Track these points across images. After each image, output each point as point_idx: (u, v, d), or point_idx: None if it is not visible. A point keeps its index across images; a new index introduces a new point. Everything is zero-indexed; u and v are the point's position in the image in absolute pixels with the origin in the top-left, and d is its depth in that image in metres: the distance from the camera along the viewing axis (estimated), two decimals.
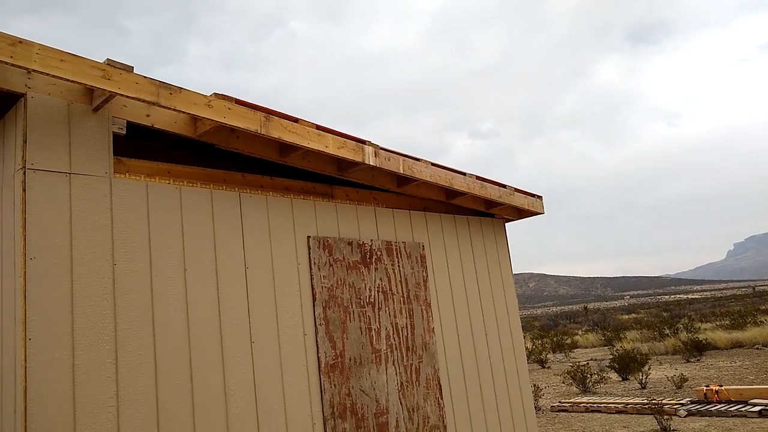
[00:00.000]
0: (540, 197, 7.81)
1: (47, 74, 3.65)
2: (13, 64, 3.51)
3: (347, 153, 5.34)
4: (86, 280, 3.95)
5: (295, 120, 4.99)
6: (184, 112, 4.27)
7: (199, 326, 4.46)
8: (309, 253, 5.36)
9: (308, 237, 5.40)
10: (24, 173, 3.80)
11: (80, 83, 3.78)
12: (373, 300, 5.81)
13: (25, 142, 3.85)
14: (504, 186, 7.18)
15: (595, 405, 14.40)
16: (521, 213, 7.96)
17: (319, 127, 5.16)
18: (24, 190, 3.78)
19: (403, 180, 6.33)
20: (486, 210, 7.45)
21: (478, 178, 6.79)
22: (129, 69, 4.01)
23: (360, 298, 5.69)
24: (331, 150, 5.21)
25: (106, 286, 4.04)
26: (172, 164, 4.68)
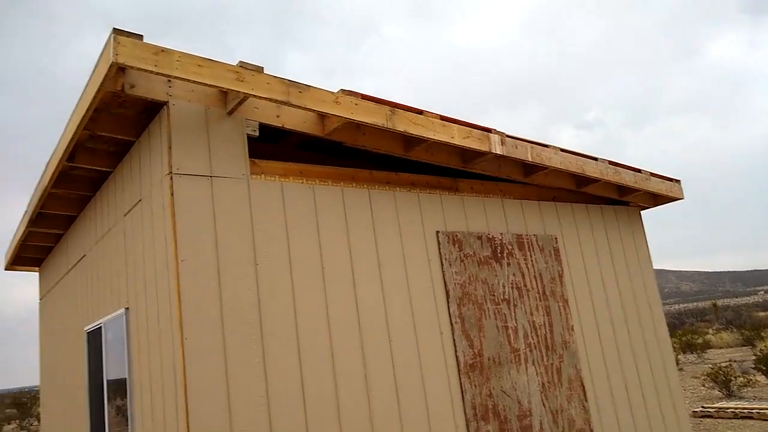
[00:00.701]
0: (678, 181, 7.16)
1: (187, 80, 3.74)
2: (157, 73, 3.64)
3: (473, 143, 5.13)
4: (232, 280, 4.01)
5: (420, 112, 4.85)
6: (313, 110, 4.25)
7: (339, 326, 4.41)
8: (439, 249, 5.19)
9: (437, 232, 5.23)
10: (171, 178, 3.93)
11: (217, 87, 3.85)
12: (507, 296, 5.53)
13: (170, 148, 3.98)
14: (639, 170, 6.64)
15: (745, 411, 13.07)
16: (657, 199, 7.34)
17: (443, 118, 4.99)
18: (172, 194, 3.91)
19: (530, 169, 6.01)
20: (619, 198, 6.93)
21: (611, 162, 6.32)
22: (260, 70, 4.05)
23: (494, 295, 5.44)
24: (457, 140, 5.02)
25: (251, 286, 4.08)
26: (303, 164, 4.69)
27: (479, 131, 5.18)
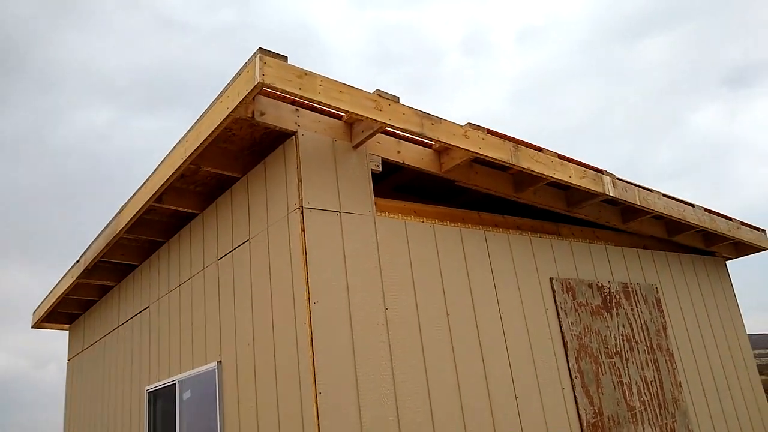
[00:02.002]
0: (764, 231, 6.92)
1: (328, 107, 3.46)
2: (301, 97, 3.35)
3: (588, 183, 4.86)
4: (364, 326, 3.60)
5: (540, 149, 4.60)
6: (445, 144, 3.97)
7: (467, 380, 3.97)
8: (554, 297, 4.82)
9: (551, 279, 4.87)
10: (302, 213, 3.58)
11: (357, 115, 3.57)
12: (619, 349, 5.12)
13: (300, 180, 3.65)
14: (731, 219, 6.39)
15: None
16: (739, 250, 7.07)
17: (561, 156, 4.73)
18: (303, 230, 3.54)
19: (629, 215, 5.73)
20: (706, 247, 6.65)
21: (706, 210, 6.07)
22: (396, 99, 3.79)
23: (607, 348, 5.03)
24: (574, 180, 4.75)
25: (382, 334, 3.66)
26: (418, 203, 4.37)
27: (593, 172, 4.93)
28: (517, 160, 4.36)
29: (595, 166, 4.95)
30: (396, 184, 5.33)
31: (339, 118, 3.99)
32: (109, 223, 5.50)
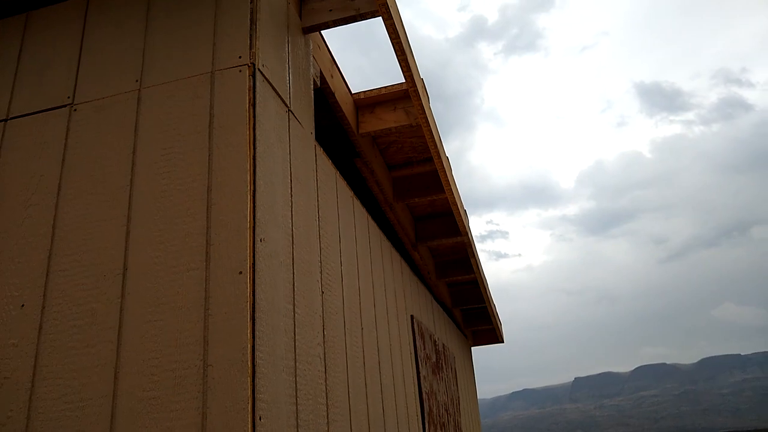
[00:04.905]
0: (501, 324, 7.23)
1: None
2: None
3: (462, 217, 4.20)
4: (306, 302, 2.02)
5: (447, 157, 3.79)
6: (411, 86, 2.83)
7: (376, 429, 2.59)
8: (414, 341, 3.80)
9: (411, 316, 3.87)
10: (252, 76, 1.92)
11: None
12: (443, 420, 4.29)
13: (255, 23, 2.01)
14: (493, 304, 6.47)
15: None
16: (476, 340, 7.22)
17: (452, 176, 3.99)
18: (252, 107, 1.88)
19: (443, 272, 5.20)
20: (464, 328, 6.54)
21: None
22: None
23: (439, 415, 4.15)
24: (459, 206, 4.04)
25: (317, 328, 2.11)
26: None
27: (463, 209, 4.31)
28: (439, 155, 3.45)
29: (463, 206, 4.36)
30: None
31: None
32: None
